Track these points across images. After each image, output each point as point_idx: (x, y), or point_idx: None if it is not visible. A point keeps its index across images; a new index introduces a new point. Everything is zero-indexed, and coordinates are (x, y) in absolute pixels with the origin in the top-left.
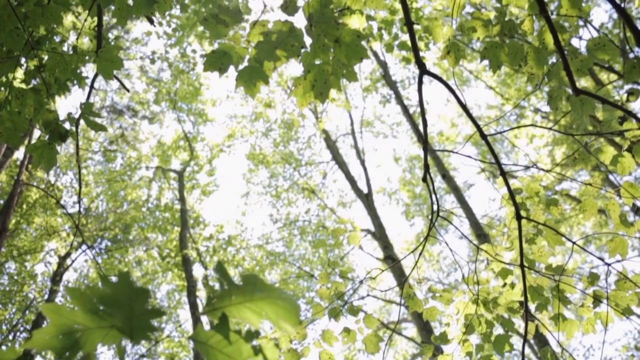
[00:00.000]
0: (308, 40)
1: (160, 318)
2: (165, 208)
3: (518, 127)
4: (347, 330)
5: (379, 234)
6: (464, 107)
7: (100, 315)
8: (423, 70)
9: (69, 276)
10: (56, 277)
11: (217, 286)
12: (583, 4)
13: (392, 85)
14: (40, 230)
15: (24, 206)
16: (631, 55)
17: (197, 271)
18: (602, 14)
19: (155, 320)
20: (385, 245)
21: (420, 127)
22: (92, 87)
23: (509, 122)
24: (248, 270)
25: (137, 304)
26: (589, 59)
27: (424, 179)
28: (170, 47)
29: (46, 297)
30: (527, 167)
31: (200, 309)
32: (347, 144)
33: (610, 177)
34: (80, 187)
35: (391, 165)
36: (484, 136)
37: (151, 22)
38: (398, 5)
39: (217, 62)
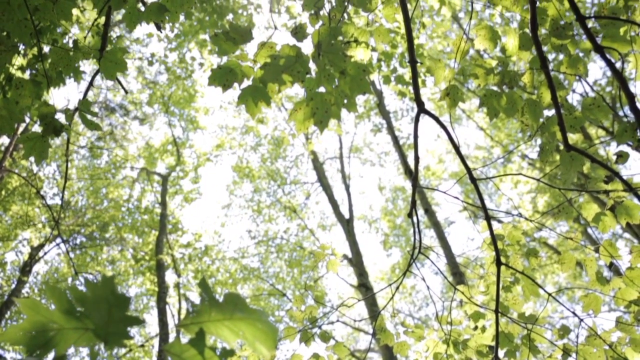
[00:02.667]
0: (312, 66)
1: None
2: (145, 210)
3: (506, 175)
4: (316, 356)
5: (356, 260)
6: (456, 148)
7: (76, 317)
8: (421, 108)
9: (39, 268)
10: (26, 268)
11: (195, 300)
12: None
13: (385, 114)
14: (16, 218)
15: (3, 192)
16: (620, 113)
17: (170, 277)
18: (596, 70)
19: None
20: (361, 272)
21: (410, 161)
22: (91, 84)
23: (495, 165)
24: (221, 282)
25: (116, 310)
26: (583, 117)
27: (410, 215)
28: (169, 51)
29: (13, 286)
30: (509, 214)
31: (169, 315)
32: (333, 167)
33: (589, 230)
34: (65, 182)
35: (375, 193)
36: (473, 180)
37: (159, 28)
38: (399, 39)
39: (222, 77)
